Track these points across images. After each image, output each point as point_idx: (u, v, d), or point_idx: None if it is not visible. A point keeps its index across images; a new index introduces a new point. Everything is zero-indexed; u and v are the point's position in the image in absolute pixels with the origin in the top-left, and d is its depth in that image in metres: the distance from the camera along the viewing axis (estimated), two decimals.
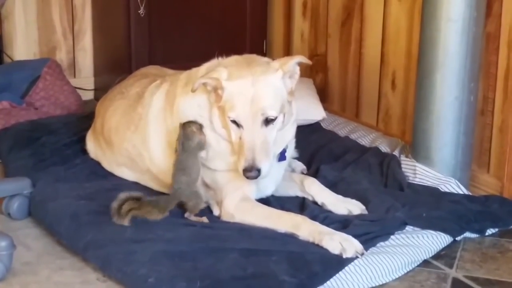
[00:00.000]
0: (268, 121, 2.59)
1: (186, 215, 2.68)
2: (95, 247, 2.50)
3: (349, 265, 2.42)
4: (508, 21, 3.03)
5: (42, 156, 3.22)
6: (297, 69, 2.70)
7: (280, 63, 2.67)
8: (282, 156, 2.77)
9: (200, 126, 2.67)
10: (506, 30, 3.04)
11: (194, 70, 2.87)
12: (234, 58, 2.77)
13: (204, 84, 2.65)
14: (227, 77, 2.62)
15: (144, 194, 2.63)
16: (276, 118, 2.60)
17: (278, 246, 2.46)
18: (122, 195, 2.57)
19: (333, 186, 2.94)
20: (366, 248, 2.50)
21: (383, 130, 3.73)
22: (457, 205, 2.85)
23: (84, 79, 4.51)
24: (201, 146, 2.68)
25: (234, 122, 2.60)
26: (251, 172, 2.54)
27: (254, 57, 2.82)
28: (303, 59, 2.71)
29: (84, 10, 4.45)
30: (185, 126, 2.66)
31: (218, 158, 2.73)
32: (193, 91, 2.65)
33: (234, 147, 2.63)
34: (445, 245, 2.68)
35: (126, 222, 2.55)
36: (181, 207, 2.69)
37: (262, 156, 2.55)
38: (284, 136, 2.73)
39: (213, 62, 2.81)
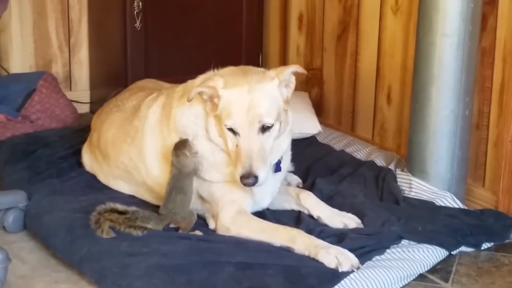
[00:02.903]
0: (264, 129, 2.59)
1: (180, 232, 2.67)
2: (90, 260, 2.49)
3: (345, 279, 2.42)
4: (503, 35, 3.04)
5: (38, 169, 3.22)
6: (293, 78, 2.71)
7: (276, 72, 2.68)
8: (277, 167, 2.77)
9: (191, 147, 2.65)
10: (501, 44, 3.05)
11: (190, 82, 2.88)
12: (229, 69, 2.79)
13: (200, 93, 2.65)
14: (223, 86, 2.63)
15: (127, 207, 2.64)
16: (272, 125, 2.60)
17: (274, 260, 2.46)
18: (99, 208, 2.59)
19: (329, 199, 2.94)
20: (362, 262, 2.50)
21: (379, 144, 3.74)
22: (452, 219, 2.85)
23: (80, 92, 4.51)
24: (196, 170, 2.67)
25: (230, 130, 2.60)
26: (249, 179, 2.53)
27: (250, 67, 2.84)
28: (299, 69, 2.72)
29: (81, 23, 4.46)
30: (178, 153, 2.64)
31: (213, 169, 2.73)
32: (189, 100, 2.65)
33: (231, 155, 2.63)
34: (441, 259, 2.68)
35: (105, 234, 2.56)
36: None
37: (259, 163, 2.55)
38: (280, 145, 2.73)
39: (208, 74, 2.81)
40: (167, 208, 2.66)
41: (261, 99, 2.60)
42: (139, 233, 2.61)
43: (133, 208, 2.65)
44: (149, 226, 2.64)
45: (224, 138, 2.64)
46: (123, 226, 2.60)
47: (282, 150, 2.76)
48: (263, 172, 2.55)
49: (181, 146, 2.66)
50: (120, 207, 2.62)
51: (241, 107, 2.58)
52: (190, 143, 2.66)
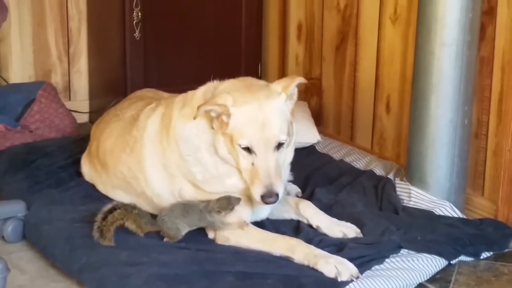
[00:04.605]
0: (279, 145, 2.60)
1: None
2: (89, 270, 2.49)
3: None
4: (501, 44, 3.05)
5: (37, 179, 3.22)
6: (296, 90, 2.71)
7: (281, 86, 2.67)
8: None
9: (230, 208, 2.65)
10: (500, 54, 3.05)
11: (190, 93, 2.87)
12: (231, 82, 2.76)
13: (207, 111, 2.62)
14: (232, 103, 2.61)
15: (116, 204, 2.65)
16: (285, 141, 2.61)
17: (273, 269, 2.46)
18: (97, 223, 2.59)
19: (328, 209, 2.94)
20: (361, 272, 2.50)
21: (378, 153, 3.74)
22: (452, 228, 2.85)
23: (79, 102, 4.52)
24: (211, 223, 2.66)
25: (245, 149, 2.59)
26: (271, 197, 2.55)
27: (251, 80, 2.83)
28: (302, 80, 2.72)
29: (80, 33, 4.47)
30: (223, 203, 2.64)
31: (215, 181, 2.72)
32: (195, 118, 2.62)
33: (244, 173, 2.62)
34: (440, 268, 2.68)
35: (107, 241, 2.57)
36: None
37: (278, 180, 2.57)
38: (287, 156, 2.74)
39: (209, 85, 2.80)
40: (160, 215, 2.67)
41: (274, 117, 2.60)
42: (133, 227, 2.62)
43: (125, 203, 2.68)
44: (142, 221, 2.65)
45: (236, 156, 2.62)
46: (118, 219, 2.60)
47: (289, 160, 2.76)
48: (282, 188, 2.58)
49: (227, 204, 2.66)
50: (109, 206, 2.62)
51: (254, 126, 2.57)
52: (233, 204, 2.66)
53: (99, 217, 2.59)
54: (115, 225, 2.59)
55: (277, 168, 2.59)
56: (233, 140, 2.60)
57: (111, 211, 2.60)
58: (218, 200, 2.65)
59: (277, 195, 2.55)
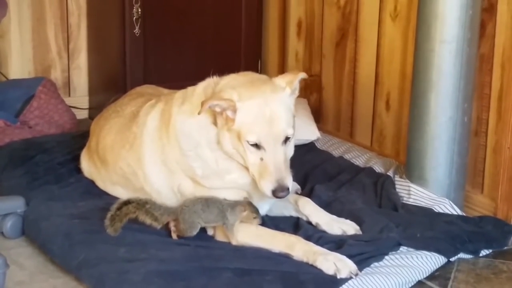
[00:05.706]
0: (286, 139, 2.60)
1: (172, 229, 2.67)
2: (88, 266, 2.49)
3: (343, 286, 2.42)
4: (501, 42, 3.04)
5: (36, 175, 3.22)
6: (298, 85, 2.71)
7: (285, 81, 2.67)
8: None
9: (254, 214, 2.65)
10: (500, 51, 3.05)
11: (190, 89, 2.86)
12: (232, 77, 2.75)
13: (212, 106, 2.60)
14: (238, 98, 2.59)
15: (134, 198, 2.67)
16: (292, 135, 2.62)
17: (272, 266, 2.46)
18: (111, 211, 2.61)
19: (327, 206, 2.94)
20: (360, 269, 2.50)
21: (377, 150, 3.74)
22: (451, 225, 2.85)
23: (79, 98, 4.51)
24: (226, 221, 2.63)
25: (254, 144, 2.58)
26: (283, 192, 2.55)
27: (252, 74, 2.82)
28: (305, 75, 2.72)
29: (80, 29, 4.46)
30: (244, 207, 2.63)
31: (215, 177, 2.72)
32: (199, 113, 2.60)
33: (252, 168, 2.61)
34: (439, 266, 2.68)
35: (114, 231, 2.58)
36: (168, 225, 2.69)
37: (287, 174, 2.58)
38: (290, 152, 2.74)
39: (209, 81, 2.79)
40: (183, 204, 2.65)
41: (280, 111, 2.59)
42: (147, 220, 2.62)
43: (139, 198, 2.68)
44: (156, 213, 2.64)
45: (242, 151, 2.61)
46: (132, 212, 2.61)
47: (291, 155, 2.76)
48: (291, 182, 2.58)
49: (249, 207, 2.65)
50: (125, 199, 2.65)
51: (262, 121, 2.57)
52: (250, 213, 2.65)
53: (114, 207, 2.61)
54: (128, 217, 2.60)
55: (285, 162, 2.59)
56: (241, 136, 2.59)
57: (126, 203, 2.61)
58: (249, 202, 2.65)
59: (288, 189, 2.55)
